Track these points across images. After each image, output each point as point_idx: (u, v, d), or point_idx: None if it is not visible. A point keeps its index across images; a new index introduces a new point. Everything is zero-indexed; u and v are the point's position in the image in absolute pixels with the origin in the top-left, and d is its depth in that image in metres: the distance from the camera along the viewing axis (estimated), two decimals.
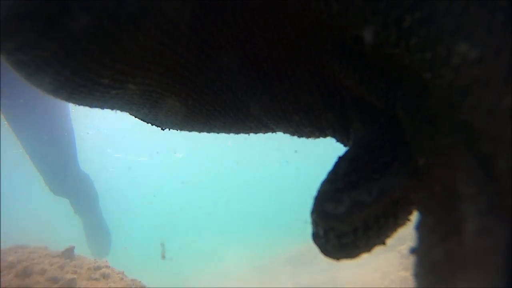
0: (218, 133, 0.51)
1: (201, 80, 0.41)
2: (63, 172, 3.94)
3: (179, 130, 0.51)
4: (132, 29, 0.33)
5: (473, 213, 0.26)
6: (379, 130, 0.36)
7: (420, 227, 0.31)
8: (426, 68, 0.26)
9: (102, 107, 0.42)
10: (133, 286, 2.63)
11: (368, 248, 0.34)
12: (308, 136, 0.49)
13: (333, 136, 0.46)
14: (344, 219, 0.31)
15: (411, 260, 0.32)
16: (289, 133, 0.49)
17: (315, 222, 0.34)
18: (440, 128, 0.29)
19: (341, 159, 0.36)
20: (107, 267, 2.80)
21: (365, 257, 0.38)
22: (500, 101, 0.23)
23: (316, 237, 0.34)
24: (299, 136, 0.50)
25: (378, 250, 0.38)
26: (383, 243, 0.35)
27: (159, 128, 0.55)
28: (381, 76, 0.34)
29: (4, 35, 0.31)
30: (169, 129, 0.52)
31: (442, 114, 0.28)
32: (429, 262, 0.29)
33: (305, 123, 0.45)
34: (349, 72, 0.36)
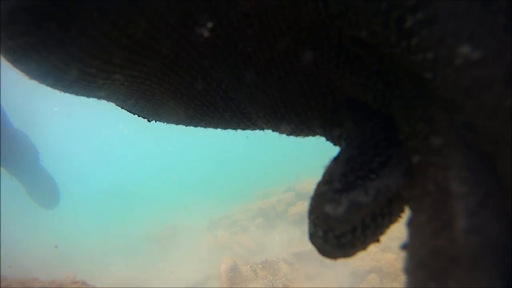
0: (205, 127, 0.53)
1: (191, 76, 0.42)
2: None
3: (165, 123, 0.53)
4: (122, 22, 0.34)
5: (464, 212, 0.28)
6: (372, 130, 0.38)
7: (411, 224, 0.33)
8: (427, 68, 0.28)
9: (88, 96, 0.44)
10: None
11: (364, 246, 0.37)
12: (297, 135, 0.52)
13: (323, 135, 0.49)
14: (343, 220, 0.33)
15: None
16: (278, 131, 0.52)
17: (314, 223, 0.35)
18: (437, 127, 0.30)
19: (336, 160, 0.38)
20: None
21: None
22: (502, 102, 0.25)
23: (314, 237, 0.36)
24: (288, 134, 0.52)
25: None
26: (378, 240, 0.37)
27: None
28: (378, 76, 0.35)
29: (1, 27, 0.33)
30: (156, 121, 0.53)
31: (441, 114, 0.30)
32: (419, 258, 0.31)
33: (296, 122, 0.47)
34: (345, 72, 0.37)
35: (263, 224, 6.32)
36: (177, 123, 0.53)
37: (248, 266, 3.70)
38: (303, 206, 5.87)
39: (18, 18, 0.33)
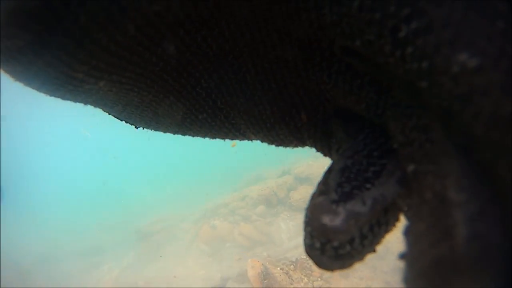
0: (193, 136, 0.55)
1: (180, 84, 0.43)
2: None
3: (153, 130, 0.55)
4: (110, 28, 0.34)
5: (463, 219, 0.29)
6: (365, 140, 0.39)
7: (409, 233, 0.34)
8: (422, 77, 0.28)
9: (75, 100, 0.44)
10: None
11: (361, 257, 0.37)
12: (287, 145, 0.53)
13: (313, 146, 0.50)
14: (341, 231, 0.33)
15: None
16: (267, 141, 0.53)
17: (311, 235, 0.35)
18: (432, 136, 0.31)
19: (330, 170, 0.38)
20: None
21: None
22: (500, 109, 0.25)
23: (311, 249, 0.36)
24: (277, 145, 0.54)
25: None
26: (374, 250, 0.38)
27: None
28: (370, 86, 0.36)
29: None
30: (143, 128, 0.55)
31: (436, 122, 0.30)
32: (419, 267, 0.32)
33: (286, 133, 0.49)
34: (338, 83, 0.38)
35: (266, 212, 6.05)
36: (165, 131, 0.54)
37: (279, 268, 3.51)
38: (306, 191, 5.81)
39: (6, 21, 0.33)
